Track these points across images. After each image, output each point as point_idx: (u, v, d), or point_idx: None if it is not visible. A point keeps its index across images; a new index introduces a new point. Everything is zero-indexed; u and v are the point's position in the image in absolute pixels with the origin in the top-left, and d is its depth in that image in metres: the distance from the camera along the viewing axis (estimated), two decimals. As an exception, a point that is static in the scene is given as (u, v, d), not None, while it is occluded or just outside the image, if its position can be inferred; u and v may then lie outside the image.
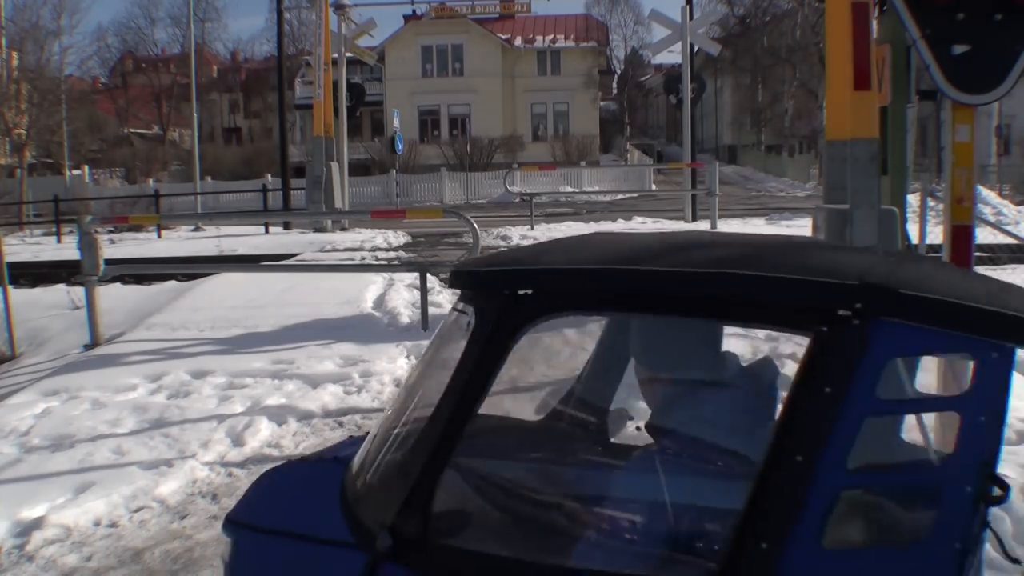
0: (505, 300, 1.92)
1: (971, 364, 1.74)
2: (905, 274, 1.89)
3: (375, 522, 1.90)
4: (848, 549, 1.78)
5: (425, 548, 1.89)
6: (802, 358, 1.78)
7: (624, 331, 2.43)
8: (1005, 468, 3.93)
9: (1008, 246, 8.61)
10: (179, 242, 18.26)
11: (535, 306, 1.92)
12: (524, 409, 2.51)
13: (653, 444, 2.26)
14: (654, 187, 31.90)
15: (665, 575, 1.82)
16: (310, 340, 7.39)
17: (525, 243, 13.95)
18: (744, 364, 2.26)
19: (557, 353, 2.38)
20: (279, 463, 3.50)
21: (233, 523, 2.26)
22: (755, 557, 1.64)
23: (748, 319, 1.99)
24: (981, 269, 6.51)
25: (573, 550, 1.98)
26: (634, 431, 2.40)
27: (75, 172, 35.93)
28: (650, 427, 2.30)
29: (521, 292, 1.92)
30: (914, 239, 7.95)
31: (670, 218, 19.32)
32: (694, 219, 18.67)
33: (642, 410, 2.38)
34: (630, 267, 1.97)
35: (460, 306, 2.04)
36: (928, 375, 2.03)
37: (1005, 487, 1.86)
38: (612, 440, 2.42)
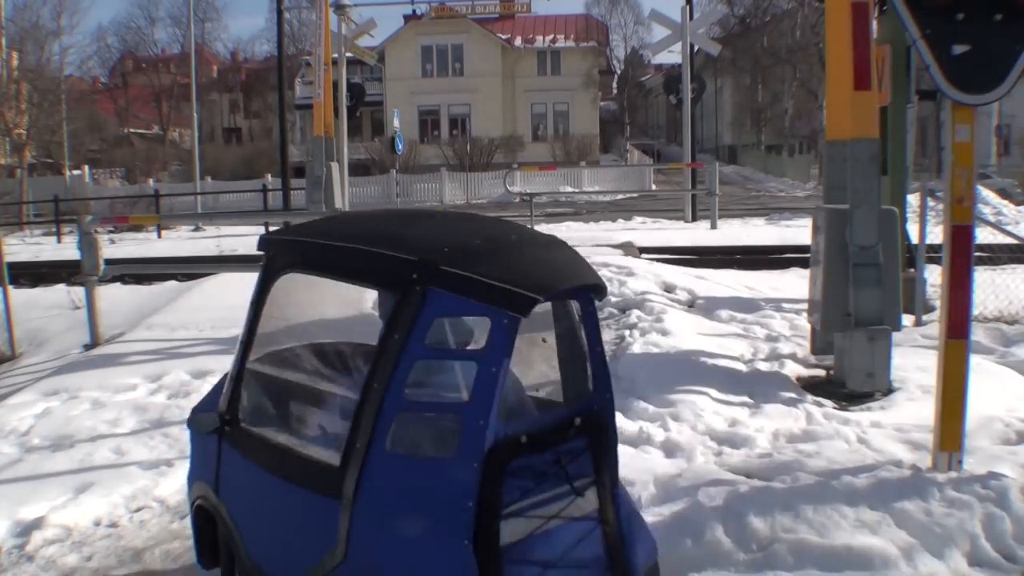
0: (268, 259, 2.94)
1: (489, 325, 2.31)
2: (463, 251, 2.45)
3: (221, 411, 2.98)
4: (404, 454, 2.42)
5: (234, 429, 2.92)
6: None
7: None
8: (1005, 468, 3.93)
9: (1008, 246, 8.59)
10: (179, 242, 18.26)
11: (278, 265, 2.91)
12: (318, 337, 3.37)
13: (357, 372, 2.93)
14: (654, 187, 31.90)
15: (326, 459, 2.51)
16: (310, 340, 7.38)
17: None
18: None
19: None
20: None
21: (191, 411, 3.36)
22: (354, 451, 2.39)
23: (365, 281, 2.71)
24: (981, 269, 6.51)
25: (296, 438, 2.77)
26: None
27: (75, 172, 35.91)
28: None
29: (273, 254, 2.93)
30: (914, 239, 7.94)
31: (670, 218, 19.32)
32: (694, 219, 18.66)
33: None
34: (306, 239, 2.87)
35: None
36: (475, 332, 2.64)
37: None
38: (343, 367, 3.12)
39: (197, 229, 20.84)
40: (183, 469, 4.74)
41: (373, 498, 2.37)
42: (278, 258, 2.91)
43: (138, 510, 4.37)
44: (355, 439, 2.39)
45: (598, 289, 2.59)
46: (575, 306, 2.59)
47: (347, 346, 3.18)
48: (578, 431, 2.53)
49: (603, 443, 2.58)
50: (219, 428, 2.96)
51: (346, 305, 3.25)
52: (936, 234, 5.40)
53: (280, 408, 3.00)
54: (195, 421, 3.10)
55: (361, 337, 3.08)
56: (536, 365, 2.77)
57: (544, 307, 2.53)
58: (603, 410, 2.59)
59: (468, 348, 2.61)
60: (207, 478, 3.08)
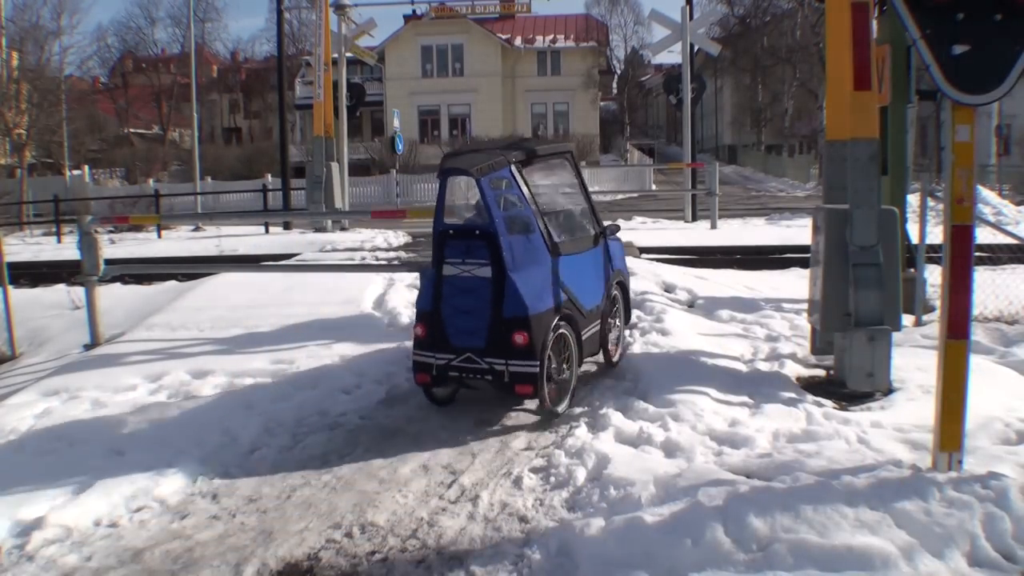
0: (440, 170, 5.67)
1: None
2: (451, 156, 5.80)
3: None
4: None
5: None
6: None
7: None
8: (1005, 468, 3.93)
9: (1008, 246, 8.59)
10: (179, 242, 18.26)
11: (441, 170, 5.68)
12: None
13: None
14: (654, 187, 31.90)
15: None
16: (310, 340, 7.39)
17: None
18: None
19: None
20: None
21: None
22: None
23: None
24: (981, 269, 6.51)
25: None
26: None
27: (75, 172, 35.94)
28: None
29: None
30: (914, 239, 7.94)
31: (670, 218, 19.32)
32: (694, 219, 18.66)
33: None
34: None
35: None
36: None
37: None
38: None
39: (197, 229, 20.85)
40: (183, 469, 4.80)
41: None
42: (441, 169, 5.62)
43: (138, 510, 4.36)
44: None
45: (468, 172, 5.32)
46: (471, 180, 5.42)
47: None
48: (479, 236, 5.32)
49: (492, 244, 5.27)
50: None
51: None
52: (936, 234, 5.40)
53: None
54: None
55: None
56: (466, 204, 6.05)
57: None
58: (492, 229, 5.26)
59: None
60: None
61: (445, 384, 5.63)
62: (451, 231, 5.44)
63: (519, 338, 5.21)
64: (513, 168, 5.54)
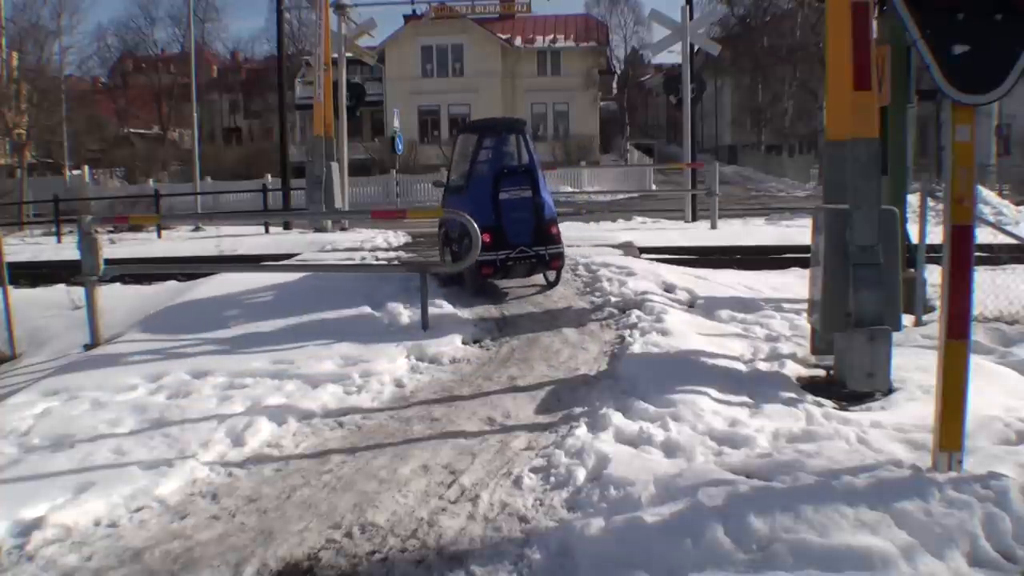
0: (458, 131, 12.02)
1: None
2: (481, 121, 10.79)
3: None
4: (481, 177, 9.19)
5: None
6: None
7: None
8: (1005, 468, 3.93)
9: (1008, 246, 8.58)
10: (179, 242, 18.25)
11: (459, 131, 11.88)
12: None
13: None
14: (654, 187, 31.89)
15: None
16: (310, 340, 7.40)
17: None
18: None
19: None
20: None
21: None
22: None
23: (472, 132, 9.94)
24: (981, 269, 6.51)
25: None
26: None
27: (75, 172, 35.96)
28: None
29: (458, 130, 14.91)
30: (914, 239, 7.93)
31: (670, 218, 19.30)
32: (694, 219, 18.64)
33: None
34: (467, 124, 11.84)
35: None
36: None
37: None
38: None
39: (197, 229, 20.84)
40: (183, 469, 4.80)
41: (472, 187, 9.08)
42: (459, 131, 10.58)
43: (138, 510, 4.36)
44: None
45: (522, 131, 9.43)
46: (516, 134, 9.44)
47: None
48: (523, 172, 8.98)
49: (531, 176, 8.96)
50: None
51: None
52: (936, 234, 5.40)
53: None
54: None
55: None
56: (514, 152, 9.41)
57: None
58: (532, 167, 9.04)
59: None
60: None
61: (500, 274, 8.86)
62: (505, 170, 8.86)
63: (554, 230, 8.94)
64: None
